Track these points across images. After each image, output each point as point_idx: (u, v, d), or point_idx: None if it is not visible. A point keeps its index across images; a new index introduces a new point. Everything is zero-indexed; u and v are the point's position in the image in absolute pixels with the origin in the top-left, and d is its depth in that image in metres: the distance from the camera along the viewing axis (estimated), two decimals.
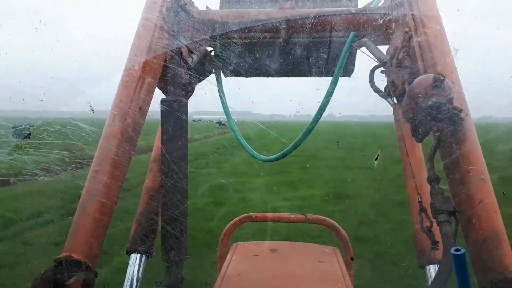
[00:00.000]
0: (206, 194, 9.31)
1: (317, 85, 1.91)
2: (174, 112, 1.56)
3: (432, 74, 1.24)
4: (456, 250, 0.55)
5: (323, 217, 2.48)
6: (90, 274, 1.16)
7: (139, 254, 1.69)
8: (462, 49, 1.44)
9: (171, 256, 1.60)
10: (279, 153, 1.95)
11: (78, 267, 1.13)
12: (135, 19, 1.64)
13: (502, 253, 1.10)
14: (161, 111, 1.58)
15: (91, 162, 1.32)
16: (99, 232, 1.22)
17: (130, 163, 1.38)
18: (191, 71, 1.76)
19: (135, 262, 1.68)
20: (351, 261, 2.31)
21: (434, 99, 1.22)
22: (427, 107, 1.23)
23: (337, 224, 2.41)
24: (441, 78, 1.22)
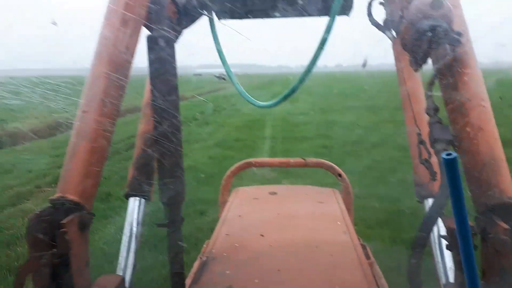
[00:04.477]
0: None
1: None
2: (161, 49, 1.50)
3: None
4: (448, 154, 0.52)
5: (322, 160, 2.48)
6: (86, 214, 1.18)
7: (138, 198, 1.71)
8: None
9: (168, 198, 1.62)
10: (277, 99, 1.90)
11: (73, 207, 1.14)
12: None
13: (501, 179, 1.09)
14: (148, 48, 1.52)
15: None
16: (93, 172, 1.22)
17: (121, 101, 1.35)
18: (179, 10, 1.68)
19: (134, 205, 1.70)
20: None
21: (432, 21, 1.16)
22: (424, 29, 1.16)
23: (336, 166, 2.42)
24: None
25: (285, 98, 1.85)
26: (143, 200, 1.73)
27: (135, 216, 1.69)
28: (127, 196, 1.73)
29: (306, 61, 1.72)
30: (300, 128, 11.92)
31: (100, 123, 1.25)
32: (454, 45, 1.16)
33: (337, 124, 12.17)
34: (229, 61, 2.05)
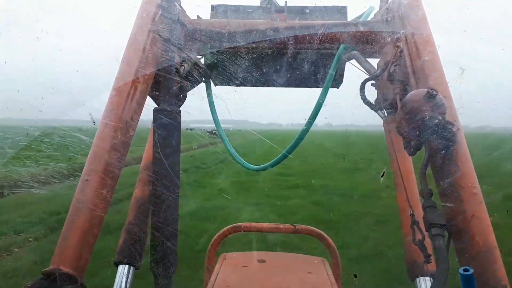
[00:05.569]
0: None
1: (314, 93, 1.87)
2: (167, 121, 1.55)
3: (426, 89, 1.25)
4: (465, 270, 0.54)
5: (311, 227, 2.46)
6: (79, 287, 1.15)
7: (127, 266, 1.65)
8: (468, 69, 1.40)
9: (160, 268, 1.57)
10: (268, 163, 1.93)
11: (67, 280, 1.12)
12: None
13: (495, 267, 1.10)
14: (154, 120, 1.57)
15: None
16: (88, 244, 1.21)
17: (121, 173, 1.37)
18: (182, 80, 1.76)
19: (122, 273, 1.64)
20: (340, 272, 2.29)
21: (427, 113, 1.23)
22: (420, 121, 1.24)
23: (325, 235, 2.39)
24: (434, 93, 1.23)
25: (277, 162, 1.88)
26: (132, 268, 1.67)
27: (123, 284, 1.63)
28: (116, 264, 1.67)
29: (296, 120, 1.75)
30: (292, 194, 10.88)
31: (100, 193, 1.25)
32: (446, 135, 1.23)
33: (332, 190, 10.96)
34: (221, 117, 2.11)
